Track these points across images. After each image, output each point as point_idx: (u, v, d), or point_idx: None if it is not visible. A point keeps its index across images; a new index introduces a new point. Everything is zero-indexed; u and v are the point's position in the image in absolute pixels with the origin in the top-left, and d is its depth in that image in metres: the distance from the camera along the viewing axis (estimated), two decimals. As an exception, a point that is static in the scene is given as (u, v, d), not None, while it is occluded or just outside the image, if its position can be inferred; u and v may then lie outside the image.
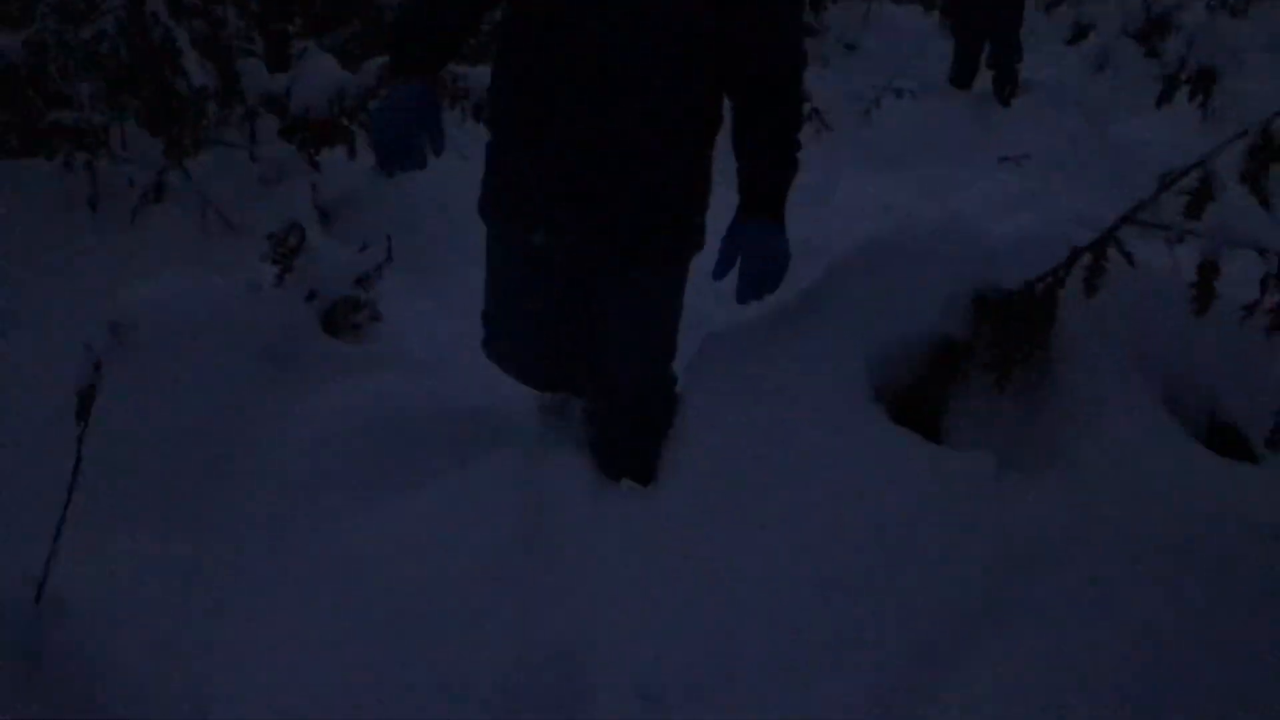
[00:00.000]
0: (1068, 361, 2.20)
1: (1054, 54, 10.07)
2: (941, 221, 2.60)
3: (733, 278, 2.21)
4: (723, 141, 2.29)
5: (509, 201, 2.28)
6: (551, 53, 2.05)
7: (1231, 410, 2.18)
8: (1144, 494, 1.98)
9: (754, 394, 2.34)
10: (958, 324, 2.28)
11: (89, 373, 2.31)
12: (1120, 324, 2.24)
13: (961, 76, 7.83)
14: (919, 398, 2.30)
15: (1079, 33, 10.92)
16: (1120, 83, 8.19)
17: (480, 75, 4.54)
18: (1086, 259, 1.99)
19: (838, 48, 9.63)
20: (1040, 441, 2.14)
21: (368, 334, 3.20)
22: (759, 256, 2.15)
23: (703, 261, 2.34)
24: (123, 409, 2.47)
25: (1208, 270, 1.79)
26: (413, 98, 2.03)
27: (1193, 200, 1.79)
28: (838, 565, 1.98)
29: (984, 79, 7.69)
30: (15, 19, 4.71)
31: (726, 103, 2.22)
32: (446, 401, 2.84)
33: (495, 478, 2.42)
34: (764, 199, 2.16)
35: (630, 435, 2.38)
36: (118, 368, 2.53)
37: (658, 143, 2.11)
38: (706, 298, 2.63)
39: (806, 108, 6.02)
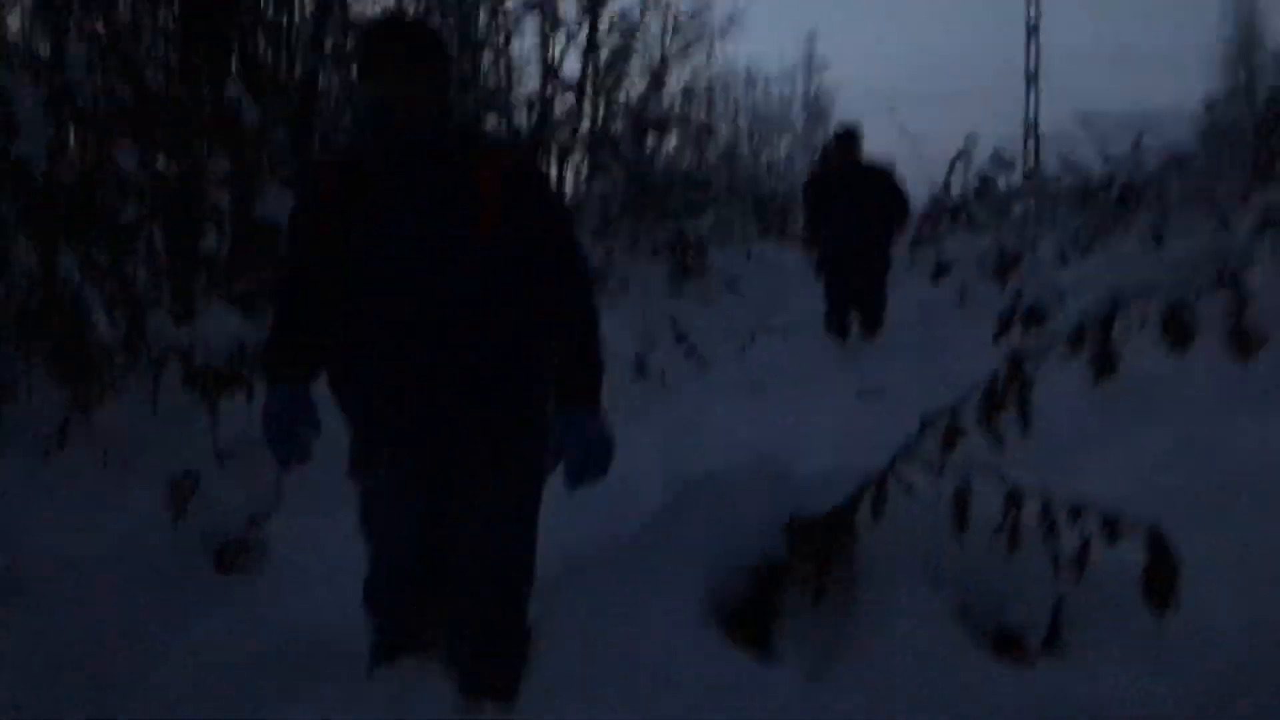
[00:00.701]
0: (871, 578, 2.53)
1: (918, 290, 10.92)
2: (763, 458, 2.96)
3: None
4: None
5: (370, 451, 2.59)
6: (378, 310, 2.41)
7: (1014, 618, 2.51)
8: (934, 697, 2.27)
9: (606, 618, 2.62)
10: (777, 548, 2.61)
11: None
12: (919, 544, 2.58)
13: (836, 326, 8.27)
14: (750, 614, 2.60)
15: (940, 270, 11.87)
16: (974, 316, 8.91)
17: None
18: (872, 490, 2.35)
19: (720, 287, 10.34)
20: (849, 650, 2.44)
21: (255, 570, 3.40)
22: (580, 445, 2.43)
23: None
24: (18, 641, 2.65)
25: (960, 496, 2.15)
26: (287, 401, 2.39)
27: (944, 440, 2.17)
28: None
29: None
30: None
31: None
32: (324, 633, 3.04)
33: (367, 702, 2.62)
34: (578, 392, 2.47)
35: (489, 659, 2.61)
36: (16, 602, 2.74)
37: (490, 373, 2.44)
38: (564, 524, 2.92)
39: (685, 344, 6.59)
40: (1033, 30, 25.45)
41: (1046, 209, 16.79)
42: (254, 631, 3.02)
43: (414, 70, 2.30)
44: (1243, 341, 2.04)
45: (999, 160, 17.05)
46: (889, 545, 2.55)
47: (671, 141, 12.09)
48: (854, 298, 8.28)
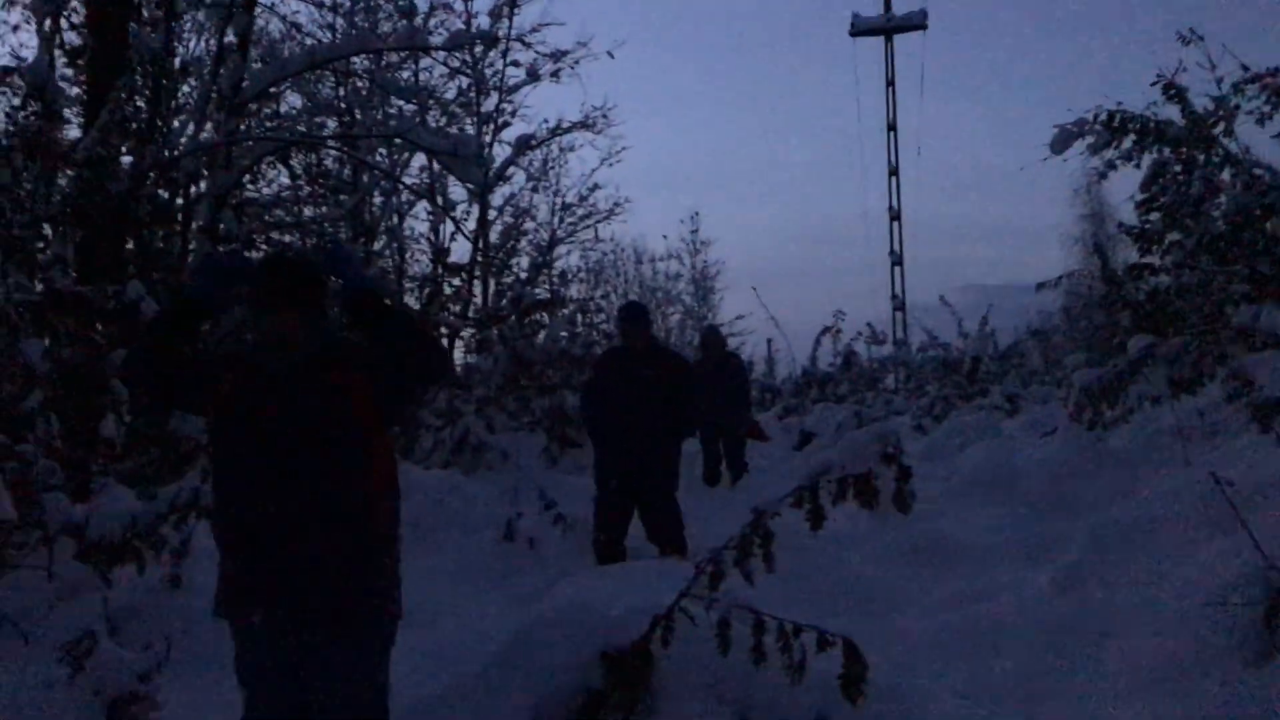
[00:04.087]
0: (668, 695, 3.09)
1: (784, 454, 11.84)
2: (582, 604, 3.54)
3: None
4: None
5: (231, 596, 3.06)
6: (240, 469, 2.95)
7: (782, 727, 3.10)
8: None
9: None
10: (595, 678, 3.16)
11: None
12: (705, 665, 3.17)
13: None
14: (572, 734, 3.13)
15: (804, 439, 12.82)
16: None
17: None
18: (662, 623, 2.95)
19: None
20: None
21: (145, 721, 3.79)
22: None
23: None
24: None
25: (722, 625, 2.76)
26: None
27: (710, 579, 2.79)
28: None
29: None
30: None
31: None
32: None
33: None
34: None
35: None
36: None
37: (335, 537, 2.92)
38: (413, 671, 3.44)
39: (554, 511, 7.11)
40: (896, 215, 27.53)
41: (911, 380, 18.05)
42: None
43: (296, 303, 2.94)
44: (902, 501, 2.72)
45: (872, 334, 18.39)
46: (683, 667, 3.12)
47: (557, 318, 12.80)
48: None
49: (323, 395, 2.94)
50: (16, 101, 7.87)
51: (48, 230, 6.82)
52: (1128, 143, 6.62)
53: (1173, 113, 6.70)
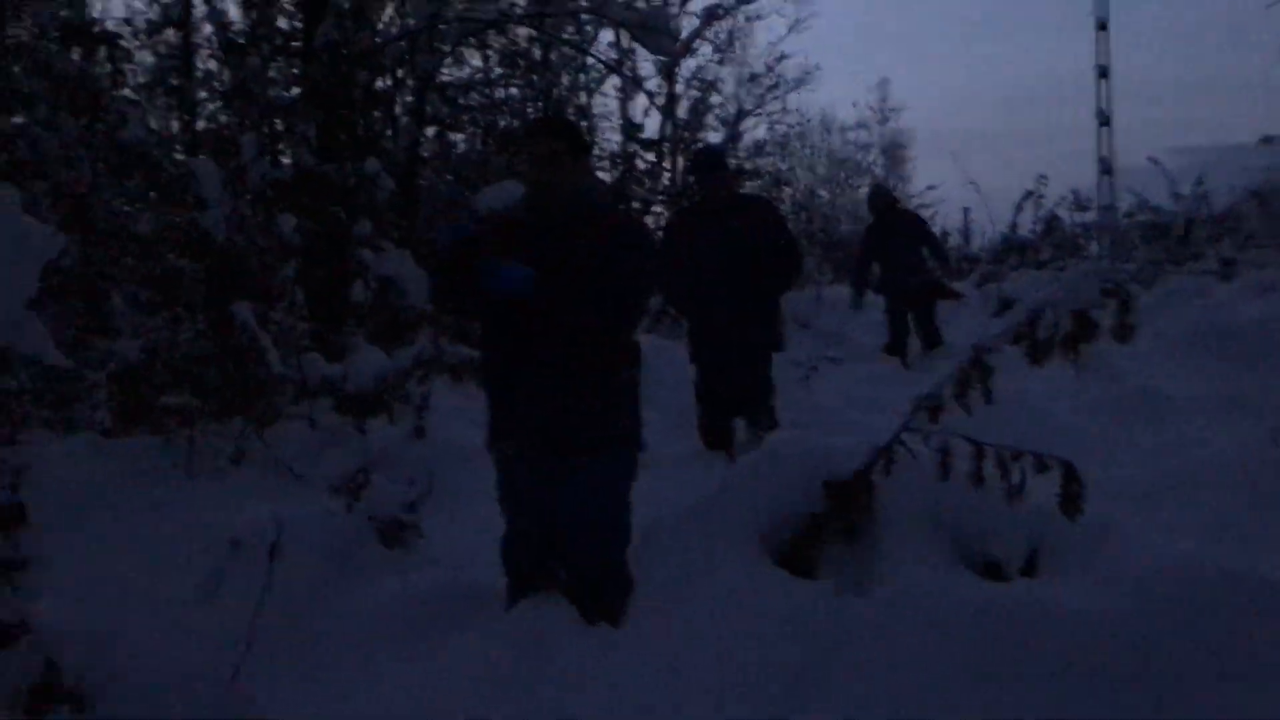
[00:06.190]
0: (886, 523, 3.33)
1: (982, 323, 11.64)
2: (805, 437, 3.80)
3: None
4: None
5: (498, 430, 3.48)
6: (507, 324, 3.32)
7: (996, 552, 3.29)
8: (934, 606, 3.06)
9: (686, 561, 3.47)
10: (818, 503, 3.43)
11: (215, 571, 3.48)
12: (923, 496, 3.38)
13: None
14: (797, 552, 3.42)
15: (1004, 305, 12.55)
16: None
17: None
18: (883, 455, 3.17)
19: (794, 327, 11.14)
20: (870, 574, 3.25)
21: (412, 546, 4.30)
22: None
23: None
24: (241, 597, 3.56)
25: (943, 453, 2.96)
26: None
27: (930, 413, 2.98)
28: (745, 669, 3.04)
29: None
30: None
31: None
32: (468, 586, 3.91)
33: (508, 630, 3.49)
34: None
35: (601, 594, 3.46)
36: (234, 569, 3.68)
37: (583, 374, 3.32)
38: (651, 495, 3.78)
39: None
40: (1104, 73, 25.98)
41: (1119, 246, 17.31)
42: (414, 591, 3.91)
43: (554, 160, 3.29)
44: (1124, 331, 2.80)
45: (1076, 200, 17.68)
46: (900, 498, 3.35)
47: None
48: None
49: (588, 253, 3.26)
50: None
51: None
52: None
53: None
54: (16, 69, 6.41)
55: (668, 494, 4.35)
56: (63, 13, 7.46)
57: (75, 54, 7.06)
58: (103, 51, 7.30)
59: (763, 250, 5.69)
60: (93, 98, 6.42)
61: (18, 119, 6.52)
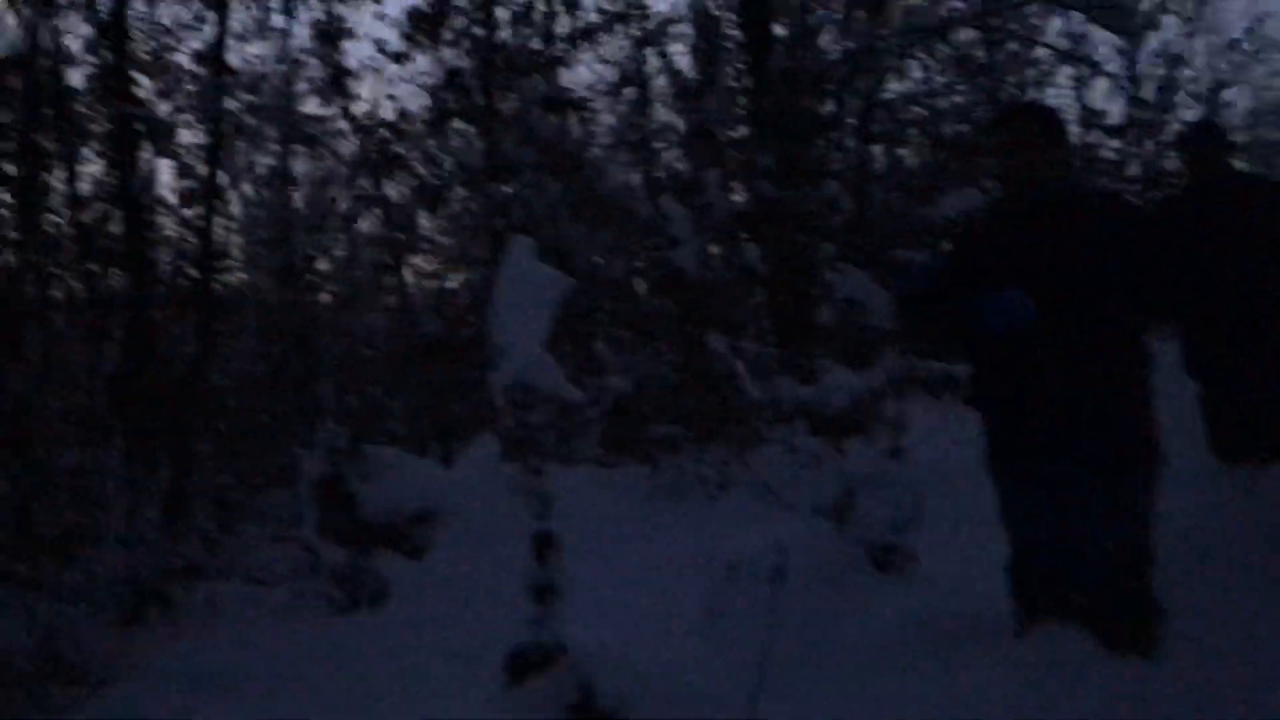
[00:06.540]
0: None
1: None
2: None
3: None
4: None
5: (998, 445, 3.27)
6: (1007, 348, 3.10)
7: None
8: None
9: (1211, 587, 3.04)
10: None
11: (717, 595, 3.55)
12: None
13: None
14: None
15: None
16: None
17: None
18: None
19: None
20: None
21: (906, 570, 4.16)
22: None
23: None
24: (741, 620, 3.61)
25: None
26: None
27: None
28: None
29: None
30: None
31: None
32: (971, 615, 3.69)
33: (1021, 657, 3.24)
34: None
35: (1129, 622, 3.12)
36: (732, 593, 3.74)
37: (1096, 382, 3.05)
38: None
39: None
40: None
41: None
42: (915, 612, 3.76)
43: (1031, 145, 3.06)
44: None
45: None
46: None
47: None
48: None
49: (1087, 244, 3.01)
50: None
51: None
52: None
53: None
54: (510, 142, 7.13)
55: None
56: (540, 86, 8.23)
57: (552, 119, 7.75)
58: (573, 116, 7.96)
59: None
60: (570, 157, 7.00)
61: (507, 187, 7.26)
